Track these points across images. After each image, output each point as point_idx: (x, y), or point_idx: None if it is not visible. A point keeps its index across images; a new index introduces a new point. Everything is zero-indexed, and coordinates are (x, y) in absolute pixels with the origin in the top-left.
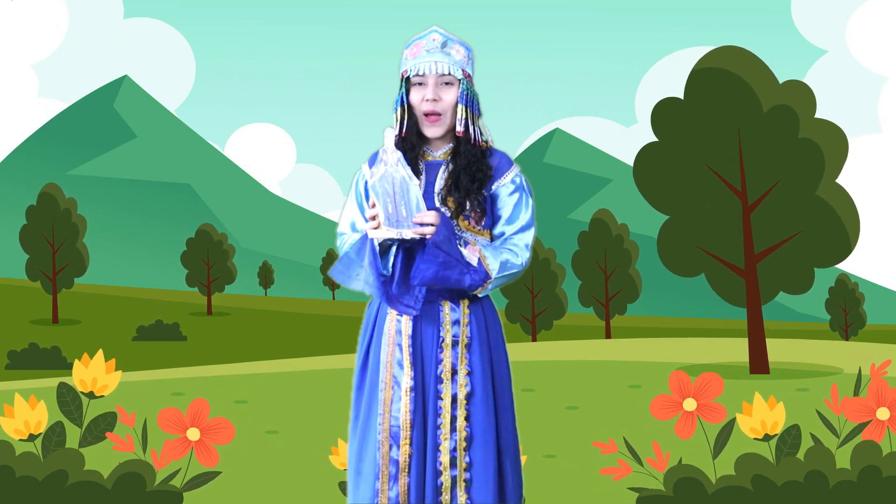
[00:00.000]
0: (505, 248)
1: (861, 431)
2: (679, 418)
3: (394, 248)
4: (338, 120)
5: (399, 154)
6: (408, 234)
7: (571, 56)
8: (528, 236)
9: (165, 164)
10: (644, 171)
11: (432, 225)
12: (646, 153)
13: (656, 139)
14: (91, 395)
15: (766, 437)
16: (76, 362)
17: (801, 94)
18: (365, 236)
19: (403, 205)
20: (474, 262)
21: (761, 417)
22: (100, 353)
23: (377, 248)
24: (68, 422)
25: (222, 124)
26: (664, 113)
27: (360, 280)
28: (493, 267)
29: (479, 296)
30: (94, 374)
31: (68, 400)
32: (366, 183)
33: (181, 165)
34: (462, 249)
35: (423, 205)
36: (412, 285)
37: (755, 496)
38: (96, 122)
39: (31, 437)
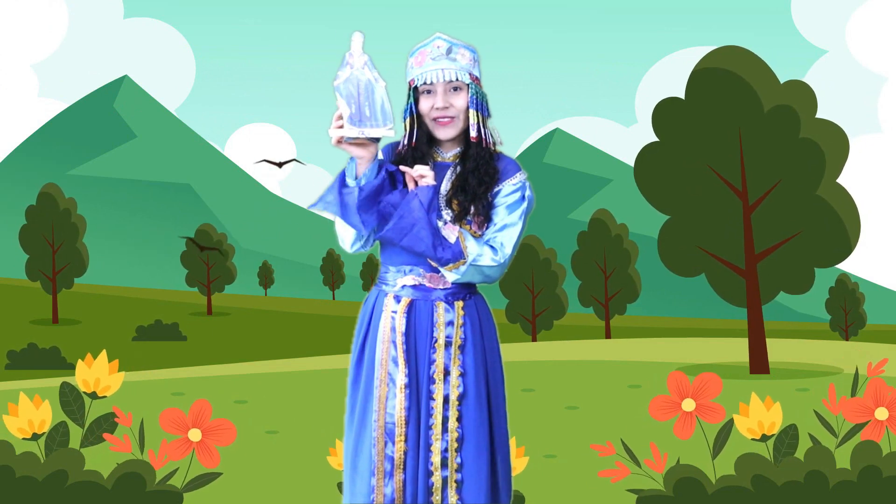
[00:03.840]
0: (486, 244)
1: (859, 431)
2: (678, 419)
3: (367, 170)
4: None
5: (367, 57)
6: (370, 132)
7: (571, 56)
8: (511, 234)
9: (165, 164)
10: (645, 171)
11: (424, 177)
12: (646, 153)
13: (656, 139)
14: (94, 396)
15: (764, 438)
16: (79, 362)
17: (803, 94)
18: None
19: (367, 105)
20: (451, 240)
21: (758, 418)
22: (103, 353)
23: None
24: (71, 422)
25: (222, 124)
26: (665, 113)
27: (329, 197)
28: (470, 250)
29: (452, 280)
30: (97, 374)
31: (70, 400)
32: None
33: (181, 165)
34: (441, 225)
35: (388, 105)
36: (385, 231)
37: (755, 496)
38: (96, 122)
39: (35, 437)
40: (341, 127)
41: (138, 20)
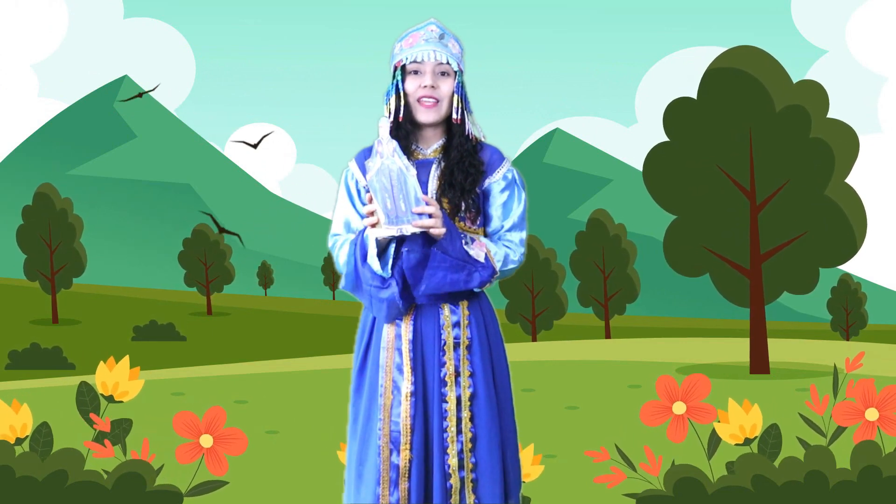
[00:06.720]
0: (502, 244)
1: (845, 431)
2: (670, 422)
3: (392, 249)
4: (338, 120)
5: (395, 143)
6: (408, 229)
7: (571, 56)
8: (523, 232)
9: (165, 164)
10: (653, 170)
11: (433, 216)
12: (656, 153)
13: (658, 139)
14: (110, 399)
15: (747, 441)
16: (101, 364)
17: (815, 94)
18: (356, 243)
19: (402, 198)
20: (482, 259)
21: (739, 422)
22: (126, 358)
23: (368, 246)
24: (81, 422)
25: (222, 124)
26: (676, 113)
27: (365, 286)
28: (498, 260)
29: (476, 290)
30: (117, 378)
31: (87, 400)
32: (356, 182)
33: (181, 165)
34: (467, 247)
35: (420, 194)
36: (417, 294)
37: (755, 496)
38: (96, 122)
39: (18, 441)
40: (376, 224)
41: (138, 20)
